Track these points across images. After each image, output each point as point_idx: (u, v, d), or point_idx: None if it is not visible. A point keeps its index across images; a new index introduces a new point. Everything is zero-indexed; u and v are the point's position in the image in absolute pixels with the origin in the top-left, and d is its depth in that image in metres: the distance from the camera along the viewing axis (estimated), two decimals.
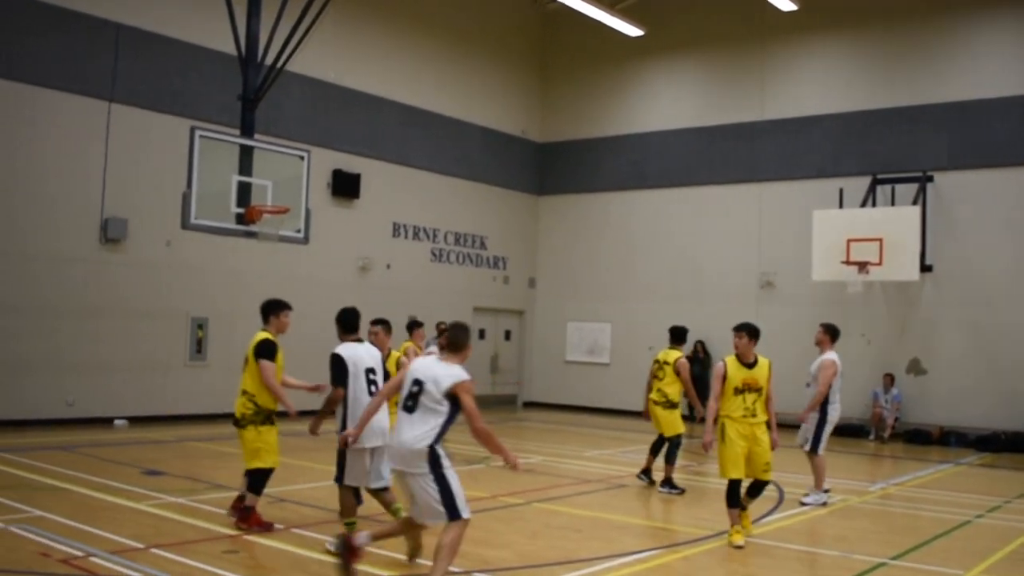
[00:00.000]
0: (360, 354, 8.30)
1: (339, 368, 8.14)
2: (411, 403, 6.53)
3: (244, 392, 8.86)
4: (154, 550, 7.79)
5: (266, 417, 8.79)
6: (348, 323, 8.53)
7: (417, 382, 6.53)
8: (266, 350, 8.71)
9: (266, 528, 8.69)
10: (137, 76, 17.40)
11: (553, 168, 25.70)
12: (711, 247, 22.75)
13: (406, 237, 22.32)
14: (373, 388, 8.18)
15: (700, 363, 22.12)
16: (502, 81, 24.94)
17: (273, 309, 8.95)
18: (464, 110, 23.73)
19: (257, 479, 8.76)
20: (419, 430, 6.41)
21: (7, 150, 15.92)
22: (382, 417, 7.93)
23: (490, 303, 24.48)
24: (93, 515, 9.12)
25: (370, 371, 8.25)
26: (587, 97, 25.24)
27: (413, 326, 13.35)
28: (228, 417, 17.78)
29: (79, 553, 7.61)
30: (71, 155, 16.58)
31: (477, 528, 9.24)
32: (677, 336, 12.53)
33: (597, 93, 25.04)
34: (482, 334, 24.35)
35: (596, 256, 24.63)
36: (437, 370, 6.53)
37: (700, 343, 22.21)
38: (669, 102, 23.89)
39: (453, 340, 6.71)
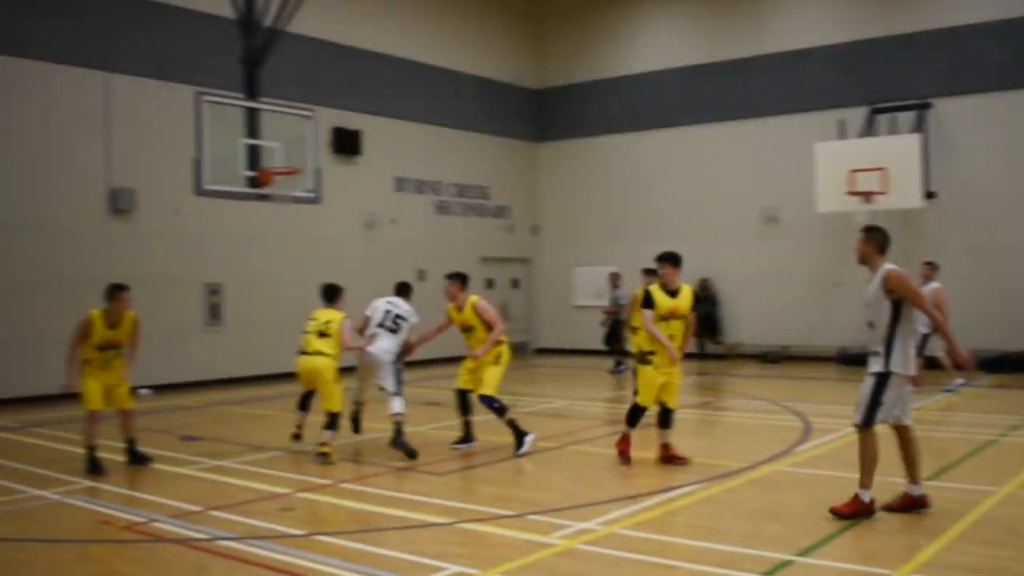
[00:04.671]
0: None
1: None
2: None
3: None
4: (213, 512, 7.99)
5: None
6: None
7: None
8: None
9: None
10: (134, 45, 17.30)
11: (551, 114, 25.68)
12: (713, 185, 22.85)
13: (409, 191, 22.39)
14: None
15: (709, 301, 22.32)
16: (495, 29, 24.85)
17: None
18: (459, 61, 23.67)
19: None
20: None
21: (5, 127, 15.87)
22: None
23: (496, 252, 24.63)
24: (143, 482, 9.32)
25: None
26: (581, 40, 25.17)
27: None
28: (249, 380, 18.22)
29: (141, 519, 7.79)
30: (72, 128, 16.54)
31: (520, 473, 9.50)
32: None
33: (591, 36, 24.96)
34: (490, 284, 24.49)
35: (599, 200, 24.72)
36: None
37: (705, 280, 22.38)
38: (664, 41, 23.86)
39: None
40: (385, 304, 11.05)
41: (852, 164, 18.79)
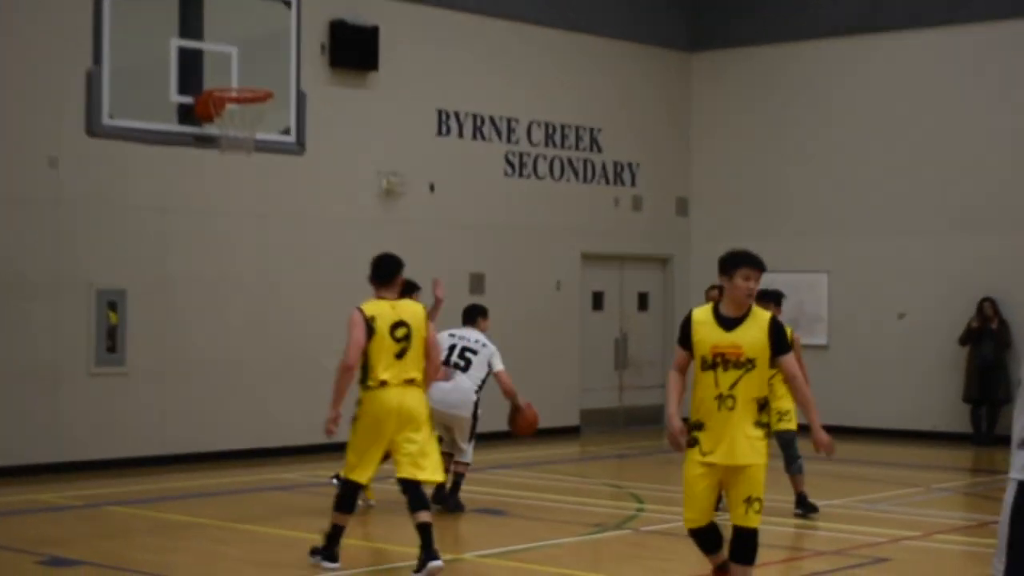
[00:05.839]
0: None
1: None
2: None
3: None
4: None
5: None
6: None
7: None
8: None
9: None
10: None
11: (714, 2, 25.47)
12: (1007, 130, 22.37)
13: (461, 135, 22.36)
14: None
15: (995, 338, 21.64)
16: None
17: None
18: None
19: None
20: None
21: None
22: None
23: (610, 246, 24.56)
24: None
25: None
26: None
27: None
28: (166, 461, 18.09)
29: None
30: None
31: None
32: None
33: None
34: (598, 300, 24.28)
35: (797, 156, 24.48)
36: None
37: (987, 302, 21.79)
38: None
39: None
40: (447, 337, 13.16)
41: None
